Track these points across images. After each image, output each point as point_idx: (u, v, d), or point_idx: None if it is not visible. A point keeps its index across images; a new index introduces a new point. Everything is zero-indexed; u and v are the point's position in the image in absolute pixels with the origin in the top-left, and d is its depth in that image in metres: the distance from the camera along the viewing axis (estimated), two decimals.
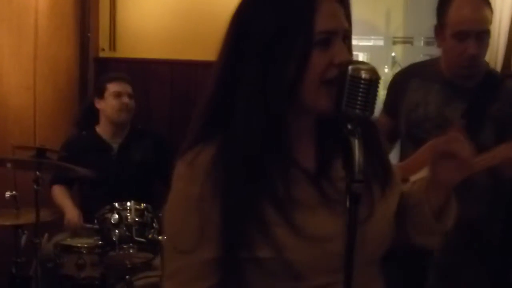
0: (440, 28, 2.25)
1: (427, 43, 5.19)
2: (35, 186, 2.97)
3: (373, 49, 5.28)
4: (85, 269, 3.00)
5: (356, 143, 1.08)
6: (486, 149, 2.11)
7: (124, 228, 2.90)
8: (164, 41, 4.16)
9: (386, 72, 4.98)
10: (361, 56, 5.03)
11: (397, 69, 4.85)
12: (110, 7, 4.19)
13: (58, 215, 3.22)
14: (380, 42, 5.28)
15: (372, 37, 5.24)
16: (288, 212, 1.10)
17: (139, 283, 2.87)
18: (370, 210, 1.16)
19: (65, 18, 4.01)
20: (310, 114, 1.16)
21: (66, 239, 3.15)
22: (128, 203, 2.97)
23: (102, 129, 3.46)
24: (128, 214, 2.93)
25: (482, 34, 2.17)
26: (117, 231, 2.89)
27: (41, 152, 3.04)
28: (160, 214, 2.90)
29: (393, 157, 2.55)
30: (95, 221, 2.97)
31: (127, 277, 2.84)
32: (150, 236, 2.91)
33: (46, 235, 3.25)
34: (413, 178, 2.31)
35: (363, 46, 5.24)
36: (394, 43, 5.36)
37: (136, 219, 2.92)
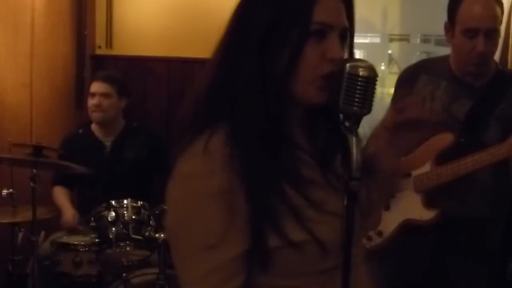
0: (450, 25, 2.25)
1: (424, 41, 5.19)
2: (31, 184, 2.97)
3: (370, 46, 5.28)
4: (82, 267, 3.00)
5: (353, 141, 1.09)
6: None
7: (121, 226, 2.90)
8: (160, 39, 4.16)
9: (383, 70, 4.98)
10: (357, 54, 5.03)
11: (394, 66, 4.86)
12: (106, 4, 4.19)
13: (55, 213, 3.23)
14: (377, 40, 5.28)
15: (369, 34, 5.24)
16: (306, 190, 1.10)
17: (136, 281, 2.87)
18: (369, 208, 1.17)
19: (62, 16, 4.00)
20: (300, 105, 1.16)
21: (62, 236, 3.16)
22: (125, 201, 2.97)
23: (95, 127, 3.48)
24: (125, 212, 2.93)
25: (491, 32, 2.18)
26: (113, 228, 2.89)
27: (37, 149, 3.04)
28: (157, 212, 2.90)
29: None
30: (92, 219, 2.97)
31: (124, 274, 2.84)
32: (146, 233, 2.91)
33: (42, 233, 3.25)
34: (415, 173, 2.33)
35: (360, 44, 5.23)
36: (391, 40, 5.35)
37: (133, 216, 2.92)
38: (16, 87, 3.71)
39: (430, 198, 2.28)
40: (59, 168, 3.26)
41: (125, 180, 3.31)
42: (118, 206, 2.95)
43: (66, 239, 3.12)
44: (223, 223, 1.05)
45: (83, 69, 4.13)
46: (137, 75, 4.17)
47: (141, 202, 2.98)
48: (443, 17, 2.33)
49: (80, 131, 3.50)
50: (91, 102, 3.39)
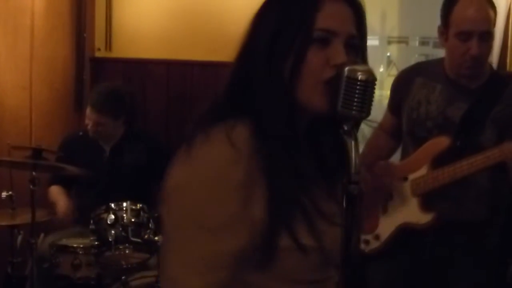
0: (444, 28, 2.26)
1: (422, 43, 5.19)
2: (31, 186, 2.97)
3: (368, 49, 5.27)
4: (80, 269, 3.01)
5: (352, 144, 1.09)
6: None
7: (120, 229, 2.90)
8: (160, 41, 4.16)
9: (381, 72, 4.99)
10: None
11: (392, 69, 4.87)
12: (106, 7, 4.19)
13: (54, 215, 3.23)
14: (375, 42, 5.29)
15: (367, 37, 5.25)
16: (318, 200, 1.12)
17: (135, 283, 2.88)
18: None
19: (61, 18, 4.01)
20: (304, 112, 1.16)
21: (62, 239, 3.16)
22: (124, 204, 2.97)
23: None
24: (124, 215, 2.93)
25: (485, 35, 2.18)
26: (113, 231, 2.89)
27: (37, 152, 3.04)
28: (156, 214, 2.90)
29: (397, 155, 2.57)
30: (91, 222, 2.97)
31: (123, 277, 2.84)
32: (146, 236, 2.91)
33: (42, 235, 3.25)
34: (411, 176, 2.33)
35: None
36: (389, 43, 5.36)
37: (132, 219, 2.93)
38: (16, 89, 3.71)
39: (427, 201, 2.29)
40: (58, 170, 3.26)
41: (124, 184, 3.30)
42: (117, 208, 2.95)
43: (65, 241, 3.11)
44: (232, 214, 1.05)
45: (82, 72, 4.13)
46: (137, 77, 4.18)
47: (141, 205, 2.98)
48: None
49: (81, 133, 3.49)
50: (87, 122, 3.36)
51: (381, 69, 5.07)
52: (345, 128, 1.10)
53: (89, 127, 3.34)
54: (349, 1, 1.17)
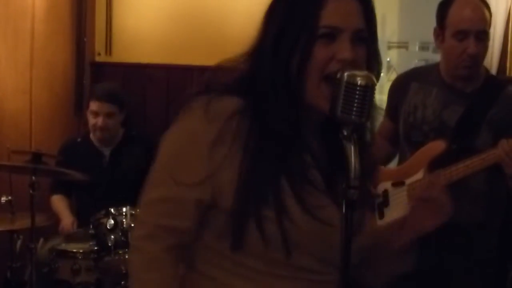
0: (439, 29, 2.27)
1: (422, 48, 5.20)
2: (30, 191, 2.97)
3: None
4: (80, 274, 3.00)
5: (352, 149, 1.09)
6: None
7: (120, 233, 2.90)
8: (160, 46, 4.17)
9: (381, 77, 5.00)
10: None
11: (392, 73, 4.87)
12: (106, 11, 4.20)
13: (53, 220, 3.22)
14: None
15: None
16: (300, 186, 1.14)
17: None
18: (362, 220, 1.17)
19: (61, 23, 4.02)
20: (314, 112, 1.17)
21: (61, 244, 3.15)
22: (124, 208, 2.97)
23: (94, 137, 3.47)
24: (124, 219, 2.93)
25: (481, 34, 2.20)
26: (112, 236, 2.89)
27: (37, 156, 3.04)
28: None
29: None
30: (91, 226, 2.97)
31: (122, 282, 2.84)
32: None
33: (41, 240, 3.24)
34: (408, 181, 2.33)
35: None
36: (389, 48, 5.36)
37: (132, 224, 2.92)
38: (16, 94, 3.71)
39: None
40: (58, 175, 3.26)
41: (124, 188, 3.29)
42: (117, 213, 2.95)
43: (64, 246, 3.11)
44: (201, 169, 1.15)
45: (82, 76, 4.13)
46: (137, 82, 4.18)
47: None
48: None
49: (79, 139, 3.50)
50: (94, 121, 3.34)
51: (381, 74, 5.07)
52: (345, 132, 1.10)
53: (98, 124, 3.33)
54: None
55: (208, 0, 4.05)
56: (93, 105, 3.35)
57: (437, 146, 2.25)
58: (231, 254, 1.16)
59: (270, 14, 1.20)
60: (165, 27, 4.15)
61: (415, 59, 4.87)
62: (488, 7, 2.26)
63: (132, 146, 3.44)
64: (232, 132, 1.14)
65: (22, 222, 3.05)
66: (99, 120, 3.33)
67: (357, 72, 1.09)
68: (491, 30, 3.42)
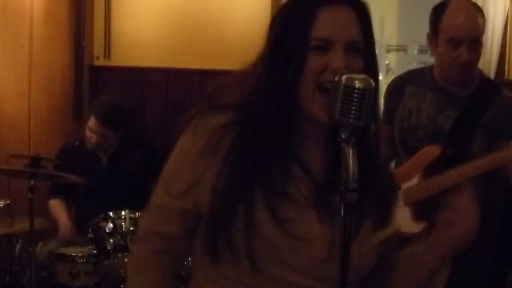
0: (433, 35, 2.26)
1: (421, 51, 5.21)
2: (29, 195, 2.96)
3: None
4: (79, 278, 2.99)
5: (350, 152, 1.09)
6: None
7: (119, 237, 2.90)
8: (159, 50, 4.17)
9: (380, 80, 5.01)
10: None
11: (391, 77, 4.88)
12: (105, 15, 4.20)
13: (52, 224, 3.22)
14: None
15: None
16: (275, 199, 1.14)
17: None
18: (356, 226, 1.16)
19: (60, 26, 4.02)
20: (314, 123, 1.18)
21: (60, 248, 3.15)
22: (123, 212, 2.97)
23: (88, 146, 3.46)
24: (123, 223, 2.93)
25: (474, 42, 2.19)
26: (111, 240, 2.89)
27: (35, 160, 3.04)
28: None
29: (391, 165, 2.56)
30: (89, 230, 2.97)
31: (121, 286, 2.83)
32: None
33: (40, 244, 3.24)
34: (404, 186, 2.32)
35: None
36: (388, 51, 5.38)
37: (131, 228, 2.92)
38: (14, 97, 3.71)
39: (419, 211, 2.28)
40: (56, 179, 3.25)
41: (122, 192, 3.30)
42: (116, 217, 2.95)
43: (63, 250, 3.11)
44: (188, 179, 1.20)
45: (81, 80, 4.13)
46: (136, 86, 4.18)
47: (139, 213, 2.97)
48: None
49: (77, 143, 3.50)
50: (90, 135, 3.34)
51: (380, 77, 5.08)
52: (343, 136, 1.10)
53: (92, 140, 3.33)
54: (352, 5, 1.17)
55: (207, 4, 4.05)
56: (91, 122, 3.34)
57: (431, 152, 2.25)
58: (211, 263, 1.20)
59: (271, 27, 1.23)
60: (164, 31, 4.15)
61: (413, 62, 4.88)
62: (481, 12, 2.25)
63: (130, 149, 3.44)
64: (215, 144, 1.18)
65: (21, 226, 3.04)
66: (94, 137, 3.33)
67: (355, 76, 1.10)
68: (489, 34, 3.44)
